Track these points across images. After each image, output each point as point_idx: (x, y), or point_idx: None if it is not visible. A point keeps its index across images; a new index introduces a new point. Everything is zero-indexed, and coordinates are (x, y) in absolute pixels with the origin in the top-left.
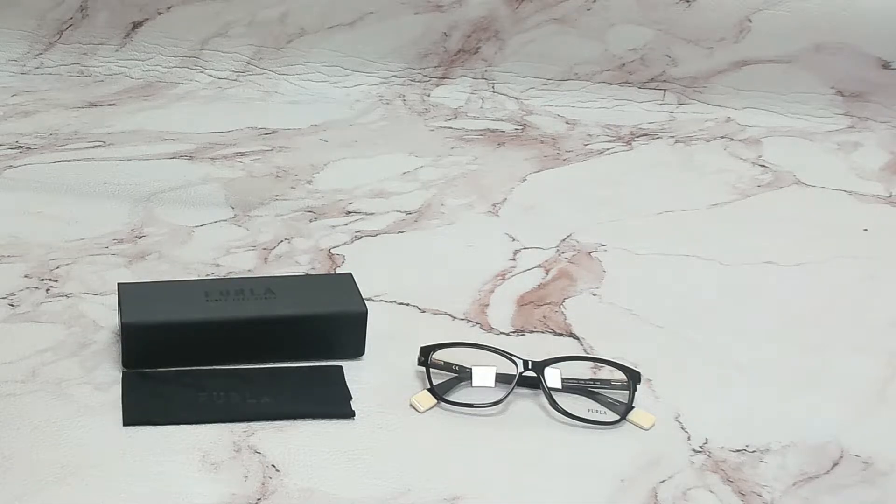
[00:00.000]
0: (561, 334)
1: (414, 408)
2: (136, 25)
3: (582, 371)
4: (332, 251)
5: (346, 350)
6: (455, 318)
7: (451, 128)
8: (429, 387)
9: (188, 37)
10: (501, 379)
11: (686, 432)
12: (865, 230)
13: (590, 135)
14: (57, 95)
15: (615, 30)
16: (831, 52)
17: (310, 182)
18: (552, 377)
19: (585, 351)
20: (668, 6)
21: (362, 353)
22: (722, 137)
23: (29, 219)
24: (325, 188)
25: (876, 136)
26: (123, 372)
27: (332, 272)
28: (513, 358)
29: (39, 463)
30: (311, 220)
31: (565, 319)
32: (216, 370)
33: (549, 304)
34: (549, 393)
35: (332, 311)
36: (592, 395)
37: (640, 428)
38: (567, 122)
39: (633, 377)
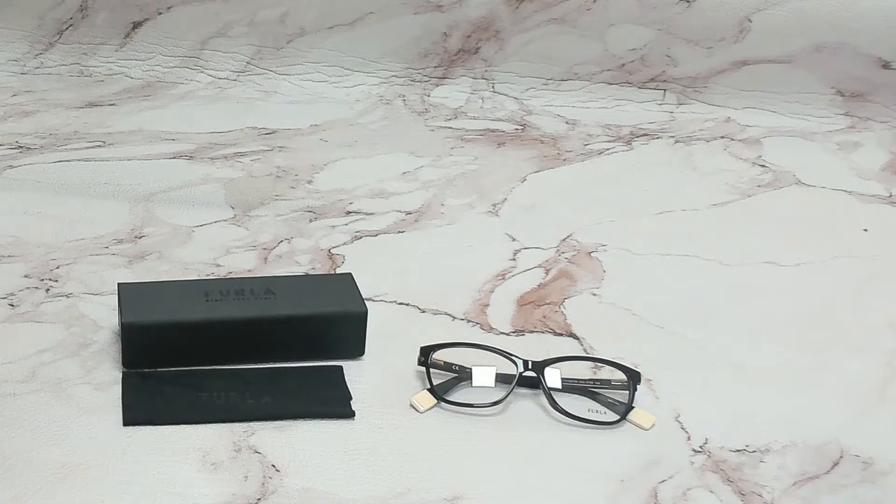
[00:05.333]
0: (561, 334)
1: (414, 408)
2: (136, 25)
3: (582, 371)
4: (332, 251)
5: (346, 350)
6: (455, 318)
7: (451, 128)
8: (429, 387)
9: (188, 37)
10: (501, 379)
11: (686, 432)
12: (865, 230)
13: (590, 135)
14: (57, 95)
15: (615, 30)
16: (831, 52)
17: (310, 182)
18: (552, 377)
19: (585, 351)
20: (668, 6)
21: (362, 353)
22: (722, 137)
23: (29, 219)
24: (325, 188)
25: (876, 136)
26: (123, 372)
27: (332, 272)
28: (513, 358)
29: (39, 463)
30: (311, 220)
31: (565, 319)
32: (216, 370)
33: (549, 304)
34: (549, 393)
35: (332, 311)
36: (592, 395)
37: (640, 428)
38: (567, 122)
39: (633, 377)
